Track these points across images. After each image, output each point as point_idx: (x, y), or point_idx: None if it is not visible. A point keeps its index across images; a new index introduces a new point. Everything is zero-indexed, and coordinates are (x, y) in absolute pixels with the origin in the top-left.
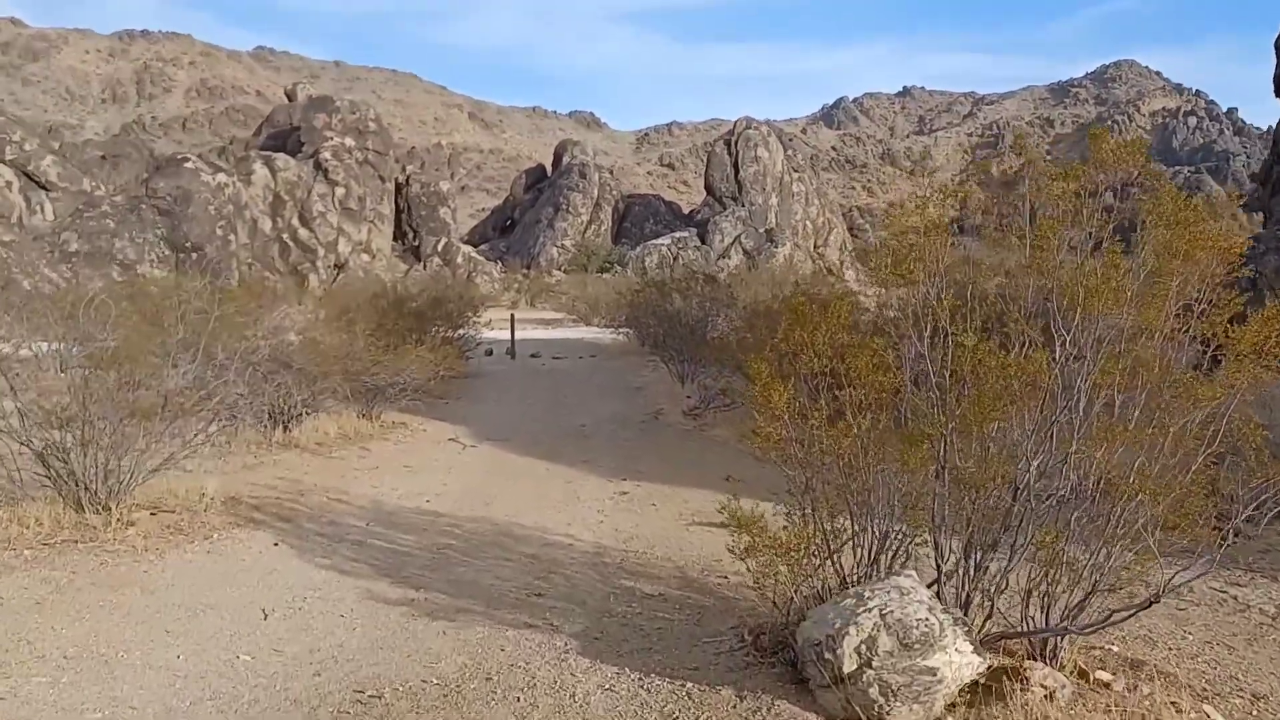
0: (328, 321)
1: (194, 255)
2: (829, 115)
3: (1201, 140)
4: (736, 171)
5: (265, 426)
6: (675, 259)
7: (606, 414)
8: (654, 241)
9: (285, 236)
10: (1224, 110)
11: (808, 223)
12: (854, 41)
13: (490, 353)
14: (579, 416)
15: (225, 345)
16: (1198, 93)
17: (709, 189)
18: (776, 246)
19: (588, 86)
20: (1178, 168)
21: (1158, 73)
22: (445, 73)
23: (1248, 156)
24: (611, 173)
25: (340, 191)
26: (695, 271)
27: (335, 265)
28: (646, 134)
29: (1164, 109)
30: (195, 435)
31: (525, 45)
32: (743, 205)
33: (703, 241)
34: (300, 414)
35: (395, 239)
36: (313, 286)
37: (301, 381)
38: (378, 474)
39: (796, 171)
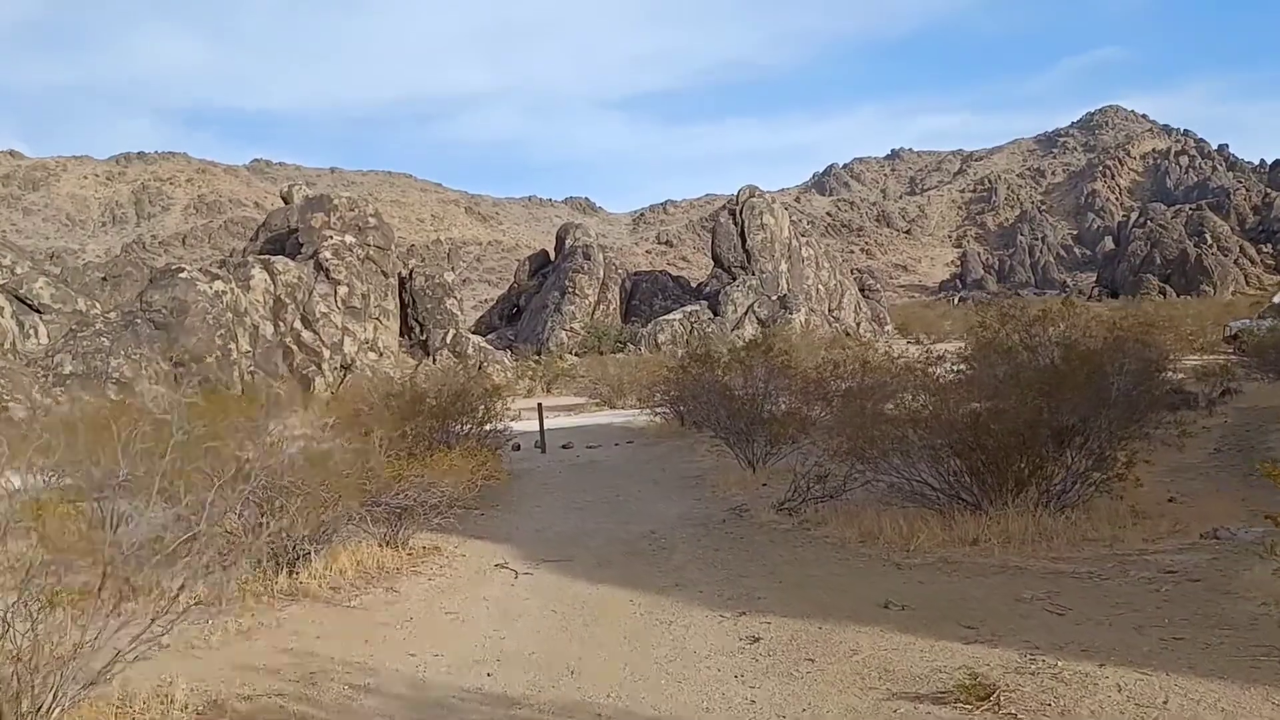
0: (338, 430)
1: (194, 367)
2: (821, 183)
3: (1196, 178)
4: (744, 240)
5: (265, 571)
6: (690, 333)
7: (675, 514)
8: (665, 317)
9: (288, 340)
10: (1215, 148)
11: (820, 286)
12: (840, 110)
13: (518, 447)
14: (643, 520)
15: (198, 475)
16: (1186, 132)
17: (716, 260)
18: (791, 313)
19: (581, 173)
20: (1178, 206)
21: (1144, 115)
22: (440, 170)
23: (1246, 190)
24: (616, 253)
25: (343, 290)
26: (757, 341)
27: (342, 366)
28: (642, 214)
29: (1154, 150)
30: (157, 619)
31: (518, 138)
32: (753, 274)
33: (715, 313)
34: (308, 551)
35: (402, 334)
36: (319, 390)
37: (309, 509)
38: (413, 631)
39: (804, 236)
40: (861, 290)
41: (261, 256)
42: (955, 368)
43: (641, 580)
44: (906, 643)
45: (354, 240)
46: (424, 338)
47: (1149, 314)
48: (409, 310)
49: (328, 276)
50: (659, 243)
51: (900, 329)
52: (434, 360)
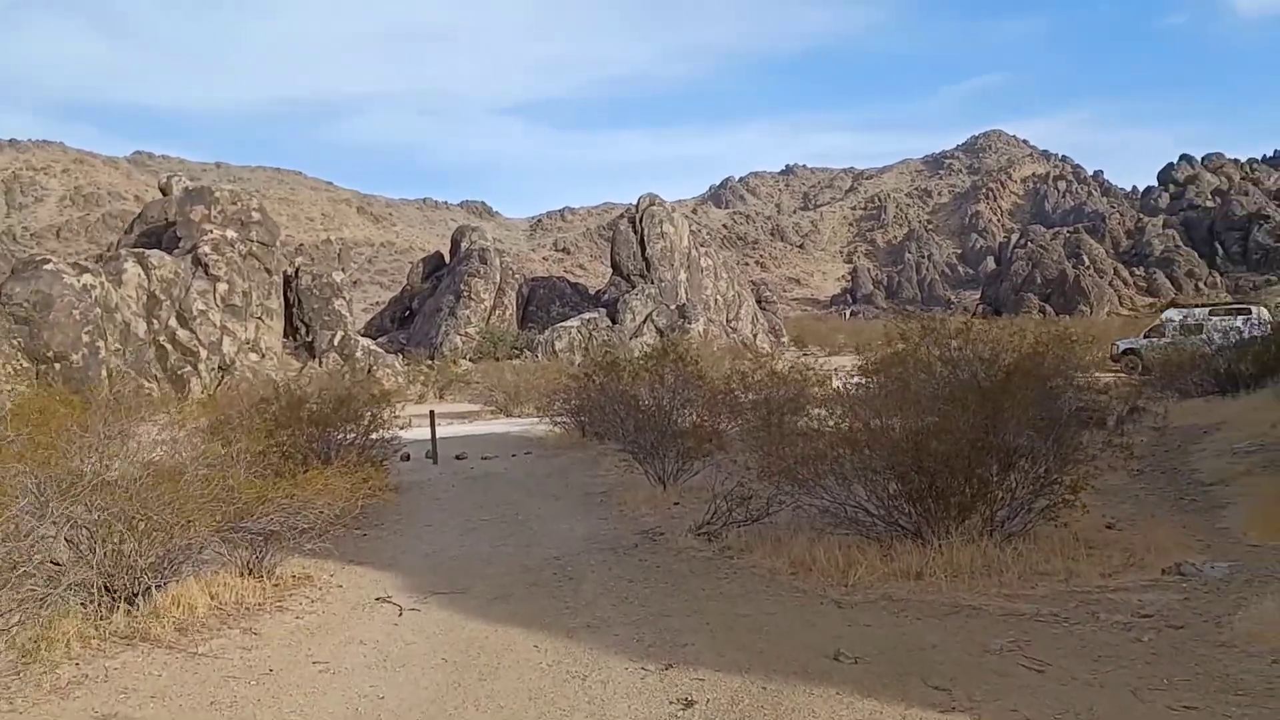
0: (200, 439)
1: (57, 365)
2: (717, 195)
3: (1073, 202)
4: (643, 248)
5: (98, 607)
6: (588, 340)
7: (581, 536)
8: (563, 324)
9: (162, 339)
10: (1090, 173)
11: (718, 297)
12: (735, 124)
13: (408, 457)
14: (546, 542)
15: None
16: (1064, 158)
17: (615, 267)
18: (690, 322)
19: (478, 177)
20: (1056, 229)
21: (1025, 141)
22: (332, 169)
23: (1120, 215)
24: (514, 258)
25: (223, 287)
26: (666, 348)
27: (220, 367)
28: (540, 220)
29: (1034, 174)
30: None
31: (413, 140)
32: (652, 282)
33: (613, 321)
34: (151, 585)
35: (286, 335)
36: (195, 392)
37: (153, 534)
38: (272, 687)
39: (703, 246)
40: (758, 302)
41: (135, 250)
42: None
43: (547, 618)
44: (872, 711)
45: (236, 235)
46: (310, 339)
47: (1062, 330)
48: (294, 310)
49: (207, 272)
50: (556, 250)
51: (796, 341)
52: (320, 363)
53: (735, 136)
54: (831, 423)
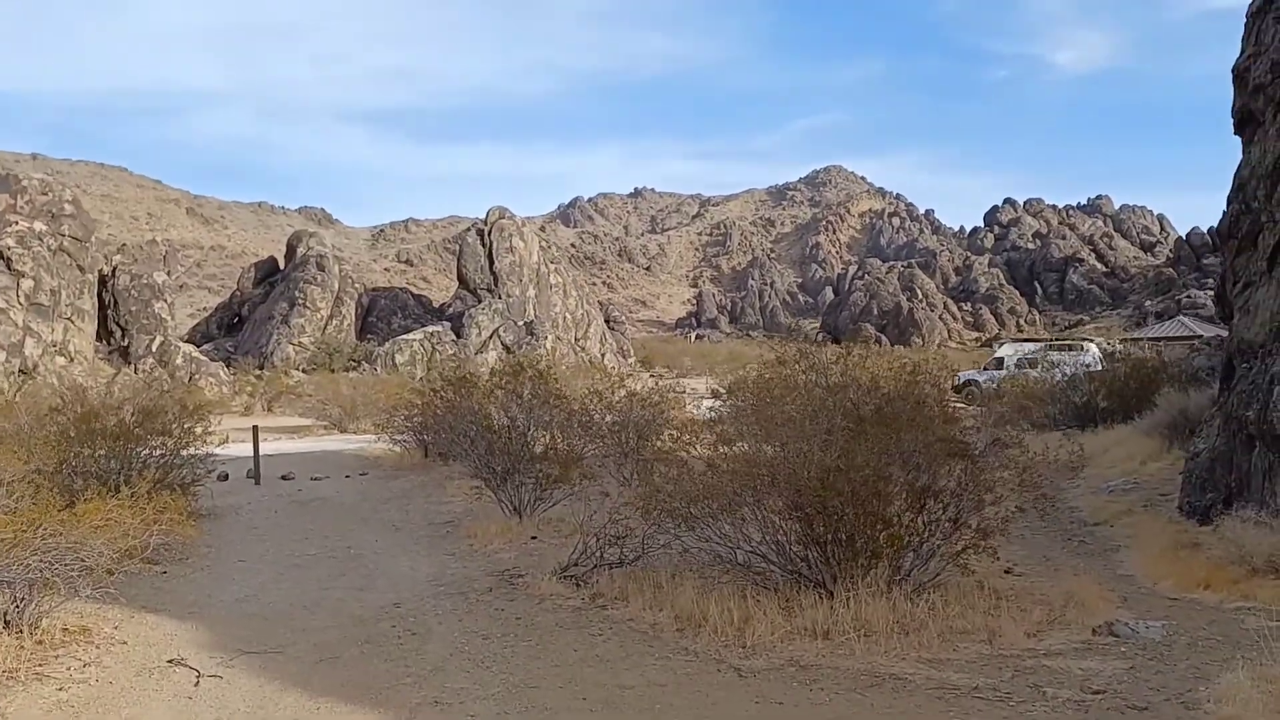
0: None
1: None
2: (566, 214)
3: (906, 239)
4: (491, 262)
5: None
6: (431, 354)
7: (425, 577)
8: (405, 337)
9: None
10: (922, 212)
11: (567, 315)
12: (586, 144)
13: (225, 477)
14: (384, 584)
15: None
16: (899, 196)
17: (462, 280)
18: (538, 339)
19: (319, 183)
20: (891, 263)
21: (863, 177)
22: (161, 167)
23: (950, 253)
24: (354, 267)
25: (27, 284)
26: (523, 364)
27: (20, 371)
28: (382, 230)
29: (871, 210)
30: None
31: (251, 141)
32: (499, 297)
33: (458, 336)
34: None
35: (100, 339)
36: None
37: None
38: None
39: (553, 263)
40: (607, 322)
41: None
42: (718, 405)
43: (383, 690)
44: None
45: (45, 228)
46: (126, 344)
47: (930, 358)
48: (110, 312)
49: (9, 267)
50: (399, 261)
51: (643, 362)
52: (136, 370)
53: (585, 157)
54: (703, 450)
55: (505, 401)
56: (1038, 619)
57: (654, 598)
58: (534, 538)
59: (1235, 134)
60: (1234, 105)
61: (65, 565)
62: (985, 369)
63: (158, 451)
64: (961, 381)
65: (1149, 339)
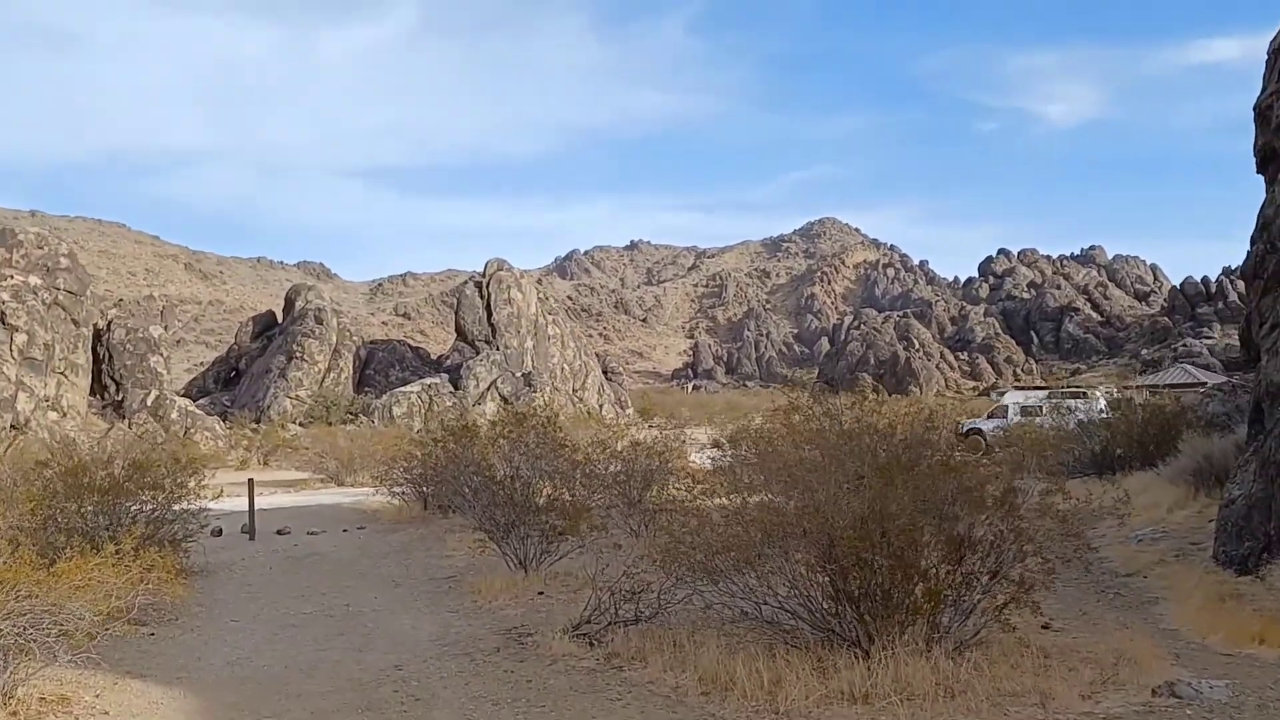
0: None
1: None
2: (563, 267)
3: (900, 289)
4: (490, 314)
5: None
6: (429, 406)
7: (428, 637)
8: (402, 389)
9: None
10: (916, 263)
11: (565, 366)
12: (582, 198)
13: (220, 532)
14: (384, 645)
15: None
16: (892, 247)
17: (460, 332)
18: (536, 390)
19: (317, 238)
20: (887, 313)
21: (856, 229)
22: (159, 224)
23: (945, 303)
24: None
25: (21, 338)
26: (526, 413)
27: (12, 426)
28: (380, 284)
29: (865, 261)
30: None
31: (249, 198)
32: (497, 349)
33: (455, 388)
34: None
35: (94, 393)
36: None
37: None
38: None
39: (551, 314)
40: (605, 373)
41: None
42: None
43: None
44: None
45: (40, 282)
46: (120, 398)
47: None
48: (104, 366)
49: (3, 321)
50: (397, 314)
51: (641, 413)
52: (130, 425)
53: (581, 210)
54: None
55: (509, 451)
56: (1090, 679)
57: (675, 657)
58: (541, 593)
59: (1258, 172)
60: (1256, 143)
61: (43, 629)
62: (991, 417)
63: (148, 506)
64: (966, 430)
65: (1149, 387)
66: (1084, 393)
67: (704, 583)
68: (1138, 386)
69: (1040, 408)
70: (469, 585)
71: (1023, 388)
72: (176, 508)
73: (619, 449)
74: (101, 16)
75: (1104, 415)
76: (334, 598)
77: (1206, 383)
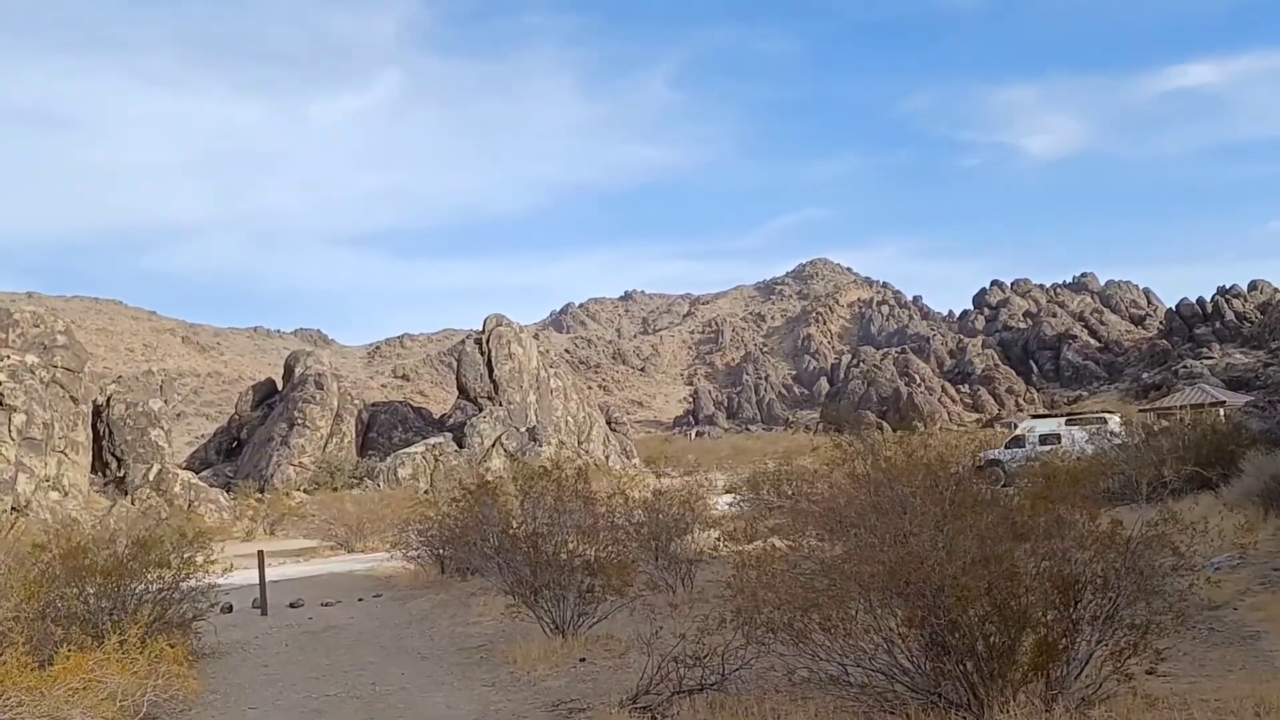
0: None
1: None
2: (559, 321)
3: (896, 325)
4: (491, 370)
5: None
6: (434, 466)
7: (468, 715)
8: (406, 450)
9: None
10: (910, 298)
11: (569, 418)
12: (575, 252)
13: (230, 608)
14: None
15: None
16: (885, 284)
17: (462, 390)
18: (541, 445)
19: (313, 305)
20: (885, 350)
21: (849, 268)
22: (154, 299)
23: (943, 337)
24: (351, 384)
25: (20, 418)
26: (548, 467)
27: (13, 509)
28: (378, 347)
29: (859, 299)
30: None
31: (243, 268)
32: (500, 404)
33: (460, 445)
34: None
35: (95, 471)
36: None
37: None
38: None
39: (553, 367)
40: (609, 423)
41: None
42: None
43: None
44: None
45: (37, 360)
46: (121, 474)
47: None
48: (104, 443)
49: (1, 402)
50: (396, 376)
51: (647, 462)
52: (133, 501)
53: (575, 264)
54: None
55: (533, 508)
56: None
57: None
58: (583, 659)
59: None
60: None
61: None
62: (1007, 447)
63: (154, 586)
64: (985, 461)
65: (1163, 409)
66: (1103, 418)
67: (782, 643)
68: (1154, 409)
69: (1058, 435)
70: (502, 654)
71: (1039, 416)
72: (185, 585)
73: (638, 498)
74: (93, 97)
75: (1119, 439)
76: (357, 676)
77: (1226, 401)
